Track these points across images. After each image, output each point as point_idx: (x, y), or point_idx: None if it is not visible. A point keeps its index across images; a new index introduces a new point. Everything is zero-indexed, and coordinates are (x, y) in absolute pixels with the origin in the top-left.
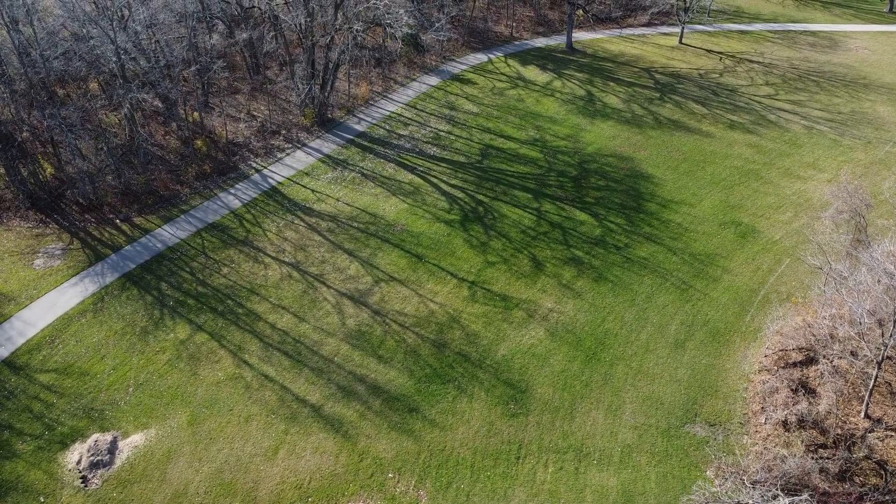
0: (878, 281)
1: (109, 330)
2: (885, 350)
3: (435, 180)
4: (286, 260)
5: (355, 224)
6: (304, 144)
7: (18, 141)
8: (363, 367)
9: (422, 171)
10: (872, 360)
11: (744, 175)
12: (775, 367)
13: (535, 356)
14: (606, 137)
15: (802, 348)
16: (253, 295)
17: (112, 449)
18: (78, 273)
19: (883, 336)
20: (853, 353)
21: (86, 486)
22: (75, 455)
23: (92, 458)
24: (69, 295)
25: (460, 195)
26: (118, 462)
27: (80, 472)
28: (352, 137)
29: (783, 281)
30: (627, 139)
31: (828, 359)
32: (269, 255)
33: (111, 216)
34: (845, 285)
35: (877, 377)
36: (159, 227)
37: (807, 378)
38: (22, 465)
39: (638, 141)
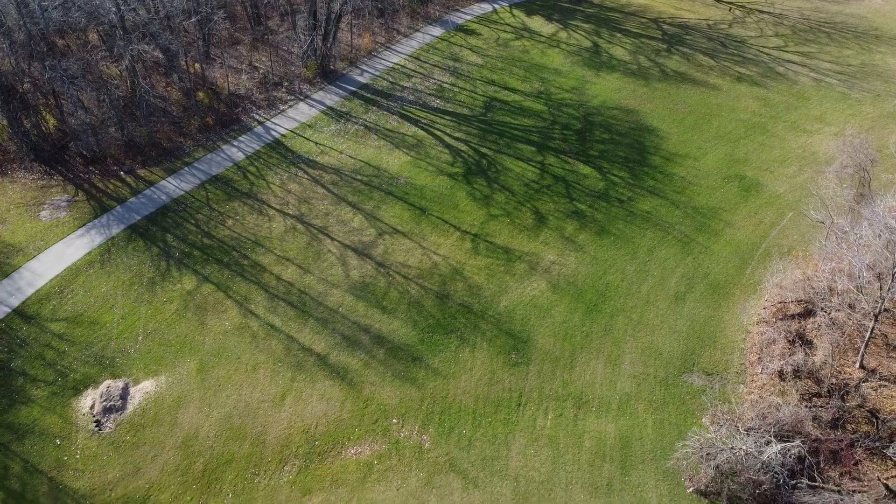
0: (879, 235)
1: (117, 281)
2: (882, 303)
3: (438, 133)
4: (290, 212)
5: (359, 177)
6: (307, 96)
7: (20, 93)
8: (367, 317)
9: (425, 124)
10: (869, 313)
11: (750, 129)
12: (774, 319)
13: (537, 308)
14: (612, 90)
15: (801, 301)
16: (258, 247)
17: (124, 395)
18: (84, 225)
19: (881, 289)
20: (851, 306)
21: (100, 430)
22: (88, 401)
23: (105, 403)
24: (76, 246)
25: (464, 148)
26: (130, 407)
27: (93, 417)
28: (354, 89)
29: (785, 235)
30: (633, 92)
31: (826, 311)
32: (274, 208)
33: (115, 168)
34: (846, 239)
35: (873, 329)
36: (163, 179)
37: (804, 330)
38: (37, 410)
39: (643, 94)
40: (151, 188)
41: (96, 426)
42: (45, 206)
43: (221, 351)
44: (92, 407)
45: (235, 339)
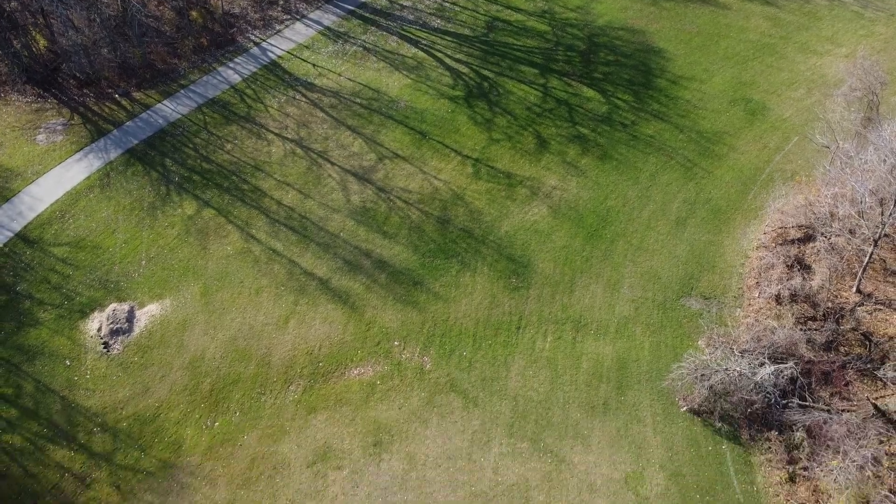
0: (884, 160)
1: (118, 205)
2: (882, 228)
3: (439, 55)
4: (289, 136)
5: (358, 100)
6: (304, 16)
7: (7, 12)
8: (368, 242)
9: (425, 45)
10: (869, 238)
11: (758, 50)
12: (773, 244)
13: (538, 232)
14: (618, 9)
15: (802, 226)
16: (257, 171)
17: (130, 318)
18: (81, 149)
19: (882, 215)
20: (851, 232)
21: (108, 352)
22: (95, 323)
23: (111, 325)
24: (75, 171)
25: (465, 70)
26: (137, 330)
27: (101, 339)
28: (352, 8)
29: (789, 159)
30: (640, 11)
31: (825, 236)
32: (272, 132)
33: (110, 91)
34: (850, 164)
35: (872, 254)
36: (159, 102)
37: (803, 255)
38: (45, 332)
39: (651, 13)
40: (148, 111)
41: (104, 348)
42: (41, 129)
43: (224, 275)
44: (99, 329)
45: (238, 263)
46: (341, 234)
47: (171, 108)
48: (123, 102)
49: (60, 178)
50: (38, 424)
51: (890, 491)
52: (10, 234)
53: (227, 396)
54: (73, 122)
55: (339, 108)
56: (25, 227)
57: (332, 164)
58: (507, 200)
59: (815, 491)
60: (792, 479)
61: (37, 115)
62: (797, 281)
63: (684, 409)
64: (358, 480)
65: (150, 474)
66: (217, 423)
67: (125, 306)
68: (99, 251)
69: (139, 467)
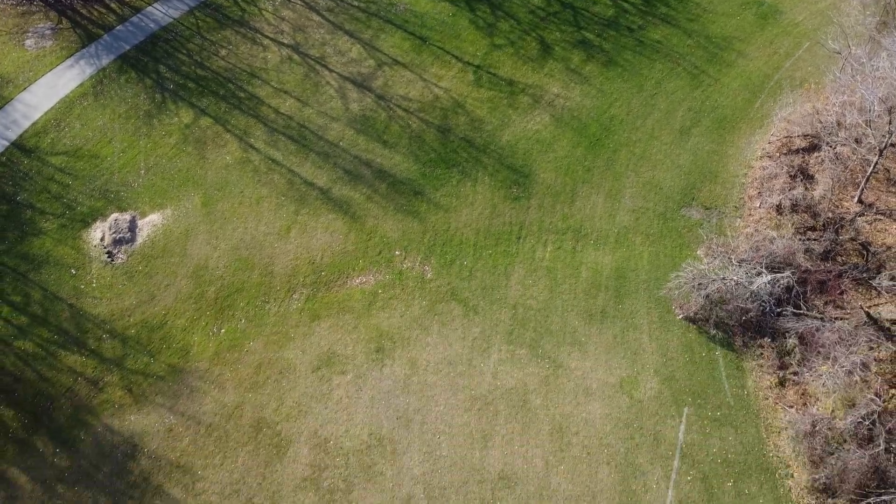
0: None
1: (113, 113)
2: (889, 138)
3: None
4: (285, 42)
5: (355, 2)
6: None
7: None
8: (369, 151)
9: None
10: (875, 148)
11: None
12: (778, 154)
13: (540, 142)
14: None
15: (807, 135)
16: (254, 79)
17: (132, 227)
18: (72, 55)
19: (891, 123)
20: (857, 141)
21: (112, 261)
22: (98, 233)
23: (114, 235)
24: (67, 77)
25: None
26: (140, 239)
27: (105, 248)
28: None
29: (799, 66)
30: None
31: (831, 146)
32: (267, 37)
33: None
34: (861, 71)
35: (876, 164)
36: (149, 5)
37: (807, 164)
38: (49, 242)
39: None
40: (138, 15)
41: (108, 257)
42: (29, 34)
43: (224, 185)
44: (102, 239)
45: (237, 172)
46: (341, 143)
47: (161, 12)
48: (112, 5)
49: (53, 85)
50: (48, 331)
51: (875, 394)
52: (6, 143)
53: (232, 304)
54: (61, 26)
55: (336, 11)
56: (21, 135)
57: (330, 70)
58: (509, 109)
59: (803, 394)
60: (781, 383)
61: (23, 18)
62: (799, 191)
63: (680, 316)
64: (361, 384)
65: (160, 378)
66: (223, 330)
67: (126, 216)
68: (97, 160)
69: (149, 372)
